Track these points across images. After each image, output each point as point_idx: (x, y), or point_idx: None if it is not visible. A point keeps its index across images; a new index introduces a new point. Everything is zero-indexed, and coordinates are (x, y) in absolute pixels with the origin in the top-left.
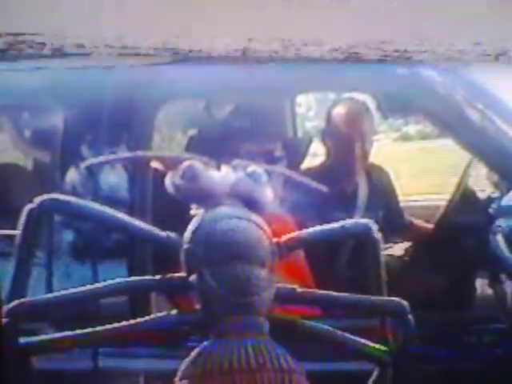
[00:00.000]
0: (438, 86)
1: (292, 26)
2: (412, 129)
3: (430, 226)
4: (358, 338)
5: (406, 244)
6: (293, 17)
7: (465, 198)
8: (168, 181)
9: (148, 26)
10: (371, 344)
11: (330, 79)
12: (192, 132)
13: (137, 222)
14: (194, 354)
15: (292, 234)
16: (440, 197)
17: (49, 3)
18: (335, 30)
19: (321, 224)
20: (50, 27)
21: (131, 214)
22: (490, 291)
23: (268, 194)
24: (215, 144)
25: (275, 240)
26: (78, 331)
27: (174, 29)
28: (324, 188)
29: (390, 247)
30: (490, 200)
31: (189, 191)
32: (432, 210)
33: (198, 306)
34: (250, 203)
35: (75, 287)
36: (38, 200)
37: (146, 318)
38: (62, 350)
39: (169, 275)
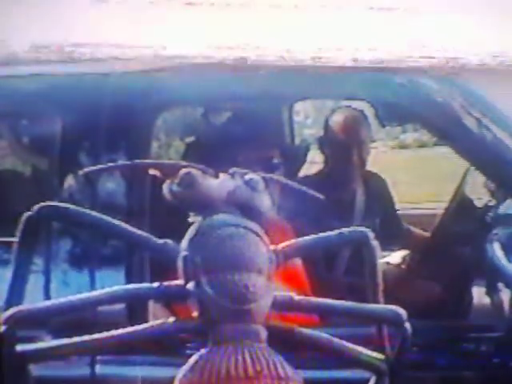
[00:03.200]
0: (436, 94)
1: (291, 34)
2: (409, 137)
3: (427, 233)
4: (354, 346)
5: (403, 252)
6: (291, 24)
7: (462, 206)
8: (166, 188)
9: (147, 33)
10: (368, 352)
11: (328, 87)
12: (190, 139)
13: (134, 230)
14: (191, 361)
15: (289, 242)
16: (437, 205)
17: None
18: (334, 39)
19: (318, 232)
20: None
21: (129, 221)
22: (486, 299)
23: (265, 201)
24: (213, 151)
25: (273, 248)
26: (76, 339)
27: (174, 36)
28: (321, 196)
29: (387, 255)
30: (486, 208)
31: (186, 198)
32: (429, 217)
33: (195, 314)
34: (248, 211)
35: (73, 294)
36: (36, 207)
37: (144, 325)
38: (60, 358)
39: (166, 283)
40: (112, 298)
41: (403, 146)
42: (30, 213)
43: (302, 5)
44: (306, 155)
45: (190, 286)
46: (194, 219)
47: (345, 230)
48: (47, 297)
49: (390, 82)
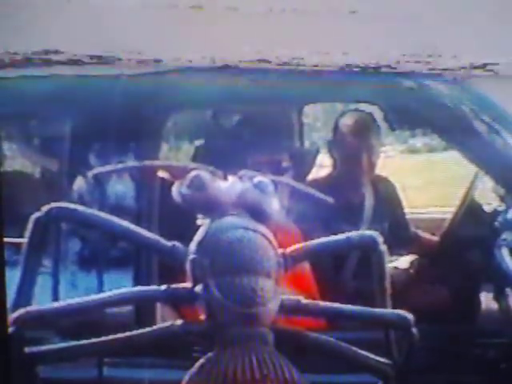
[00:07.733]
0: (445, 98)
1: (301, 37)
2: (419, 141)
3: (436, 238)
4: (361, 351)
5: (412, 256)
6: (303, 28)
7: (470, 211)
8: (175, 190)
9: (158, 37)
10: (375, 356)
11: (338, 90)
12: (199, 142)
13: (143, 232)
14: (198, 364)
15: (298, 245)
16: (446, 209)
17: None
18: (344, 42)
19: (327, 235)
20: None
21: (138, 223)
22: (494, 304)
23: (274, 204)
24: (222, 154)
25: (281, 251)
26: (84, 341)
27: (184, 40)
28: (330, 199)
29: (396, 259)
30: (495, 213)
31: (195, 201)
32: (438, 222)
33: (203, 317)
34: (257, 213)
35: (81, 296)
36: (45, 208)
37: (151, 328)
38: (68, 360)
39: (174, 285)
40: (120, 300)
41: (412, 151)
42: (38, 214)
43: (311, 9)
44: (315, 158)
45: (198, 288)
46: (203, 222)
47: (353, 234)
48: (55, 298)
49: (400, 86)
